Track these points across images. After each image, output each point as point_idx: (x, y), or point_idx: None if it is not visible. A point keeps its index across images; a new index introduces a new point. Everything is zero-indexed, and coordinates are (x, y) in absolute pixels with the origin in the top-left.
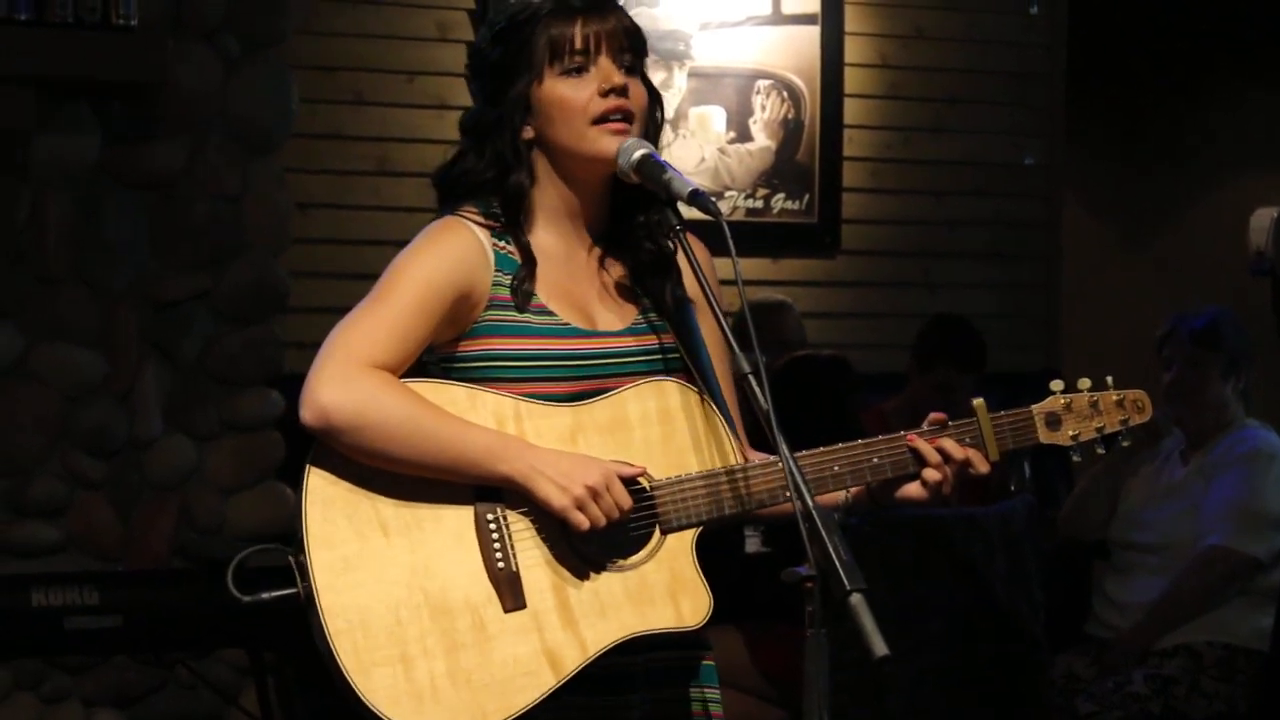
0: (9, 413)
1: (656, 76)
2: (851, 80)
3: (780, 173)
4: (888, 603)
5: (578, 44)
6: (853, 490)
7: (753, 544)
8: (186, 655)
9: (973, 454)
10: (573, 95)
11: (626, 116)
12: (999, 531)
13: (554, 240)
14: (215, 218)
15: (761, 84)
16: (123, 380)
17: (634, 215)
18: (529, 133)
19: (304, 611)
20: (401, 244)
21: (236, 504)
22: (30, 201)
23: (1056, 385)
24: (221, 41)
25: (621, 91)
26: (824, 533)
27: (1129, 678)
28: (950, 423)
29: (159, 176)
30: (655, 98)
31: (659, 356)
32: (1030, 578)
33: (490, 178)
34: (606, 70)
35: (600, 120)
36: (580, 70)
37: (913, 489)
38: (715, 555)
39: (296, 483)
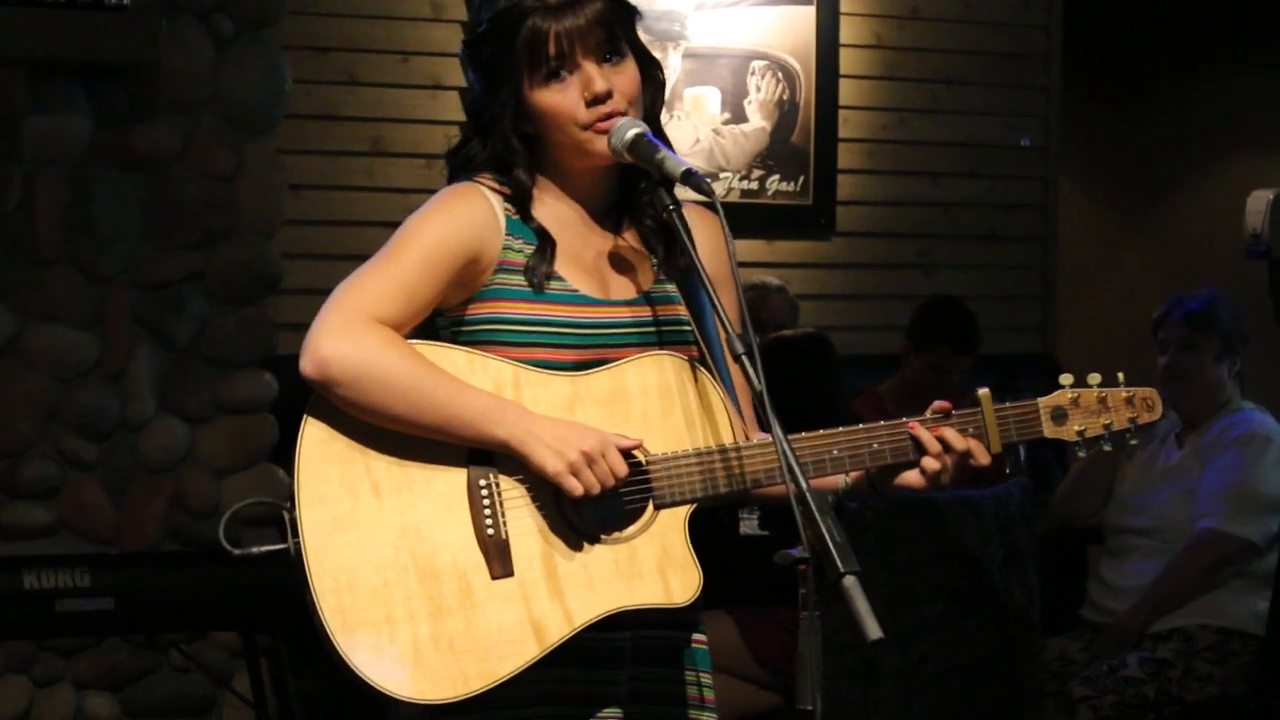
0: (1, 395)
1: None
2: (847, 61)
3: (775, 154)
4: (883, 586)
5: (551, 49)
6: (852, 475)
7: (748, 526)
8: (179, 638)
9: (974, 445)
10: (559, 102)
11: (615, 116)
12: (994, 515)
13: (566, 210)
14: (208, 199)
15: (757, 65)
16: (115, 362)
17: (642, 185)
18: (529, 128)
19: (293, 568)
20: (396, 225)
21: (229, 486)
22: (22, 183)
23: (1066, 379)
24: (214, 22)
25: (605, 98)
26: (818, 515)
27: (1123, 661)
28: (954, 413)
29: (151, 158)
30: (650, 65)
31: (672, 328)
32: (1025, 561)
33: (491, 169)
34: (587, 76)
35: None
36: (561, 73)
37: (911, 476)
38: (710, 538)
39: (289, 465)
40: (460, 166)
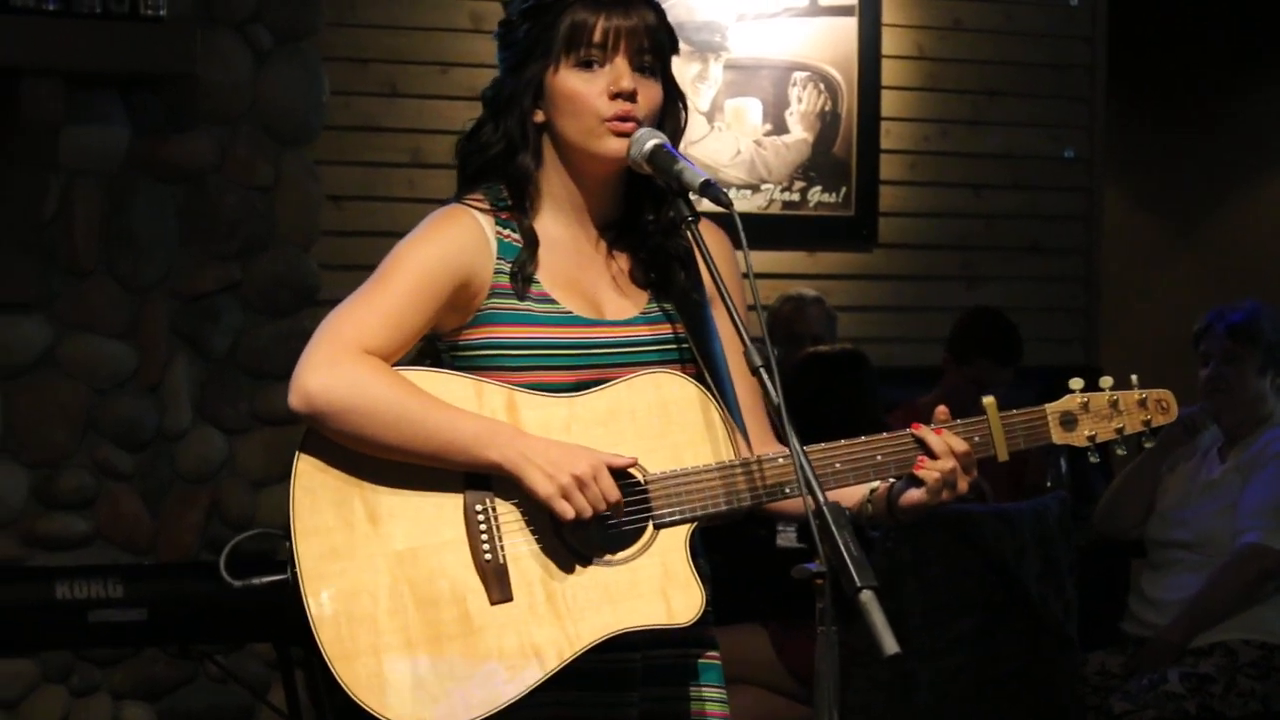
0: (39, 405)
1: (692, 68)
2: (889, 72)
3: (817, 165)
4: (917, 599)
5: (596, 37)
6: (873, 502)
7: (784, 539)
8: (212, 648)
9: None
10: (582, 89)
11: (633, 120)
12: (1032, 528)
13: (560, 228)
14: (245, 210)
15: (798, 76)
16: (152, 373)
17: (648, 207)
18: (539, 116)
19: (294, 599)
20: None
21: (267, 497)
22: (60, 194)
23: (1075, 384)
24: (252, 32)
25: (630, 96)
26: (834, 529)
27: (1164, 676)
28: (959, 421)
29: (189, 168)
30: (675, 97)
31: (670, 346)
32: (1063, 575)
33: (499, 152)
34: (619, 71)
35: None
36: (594, 64)
37: (919, 494)
38: (747, 551)
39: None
40: (470, 153)
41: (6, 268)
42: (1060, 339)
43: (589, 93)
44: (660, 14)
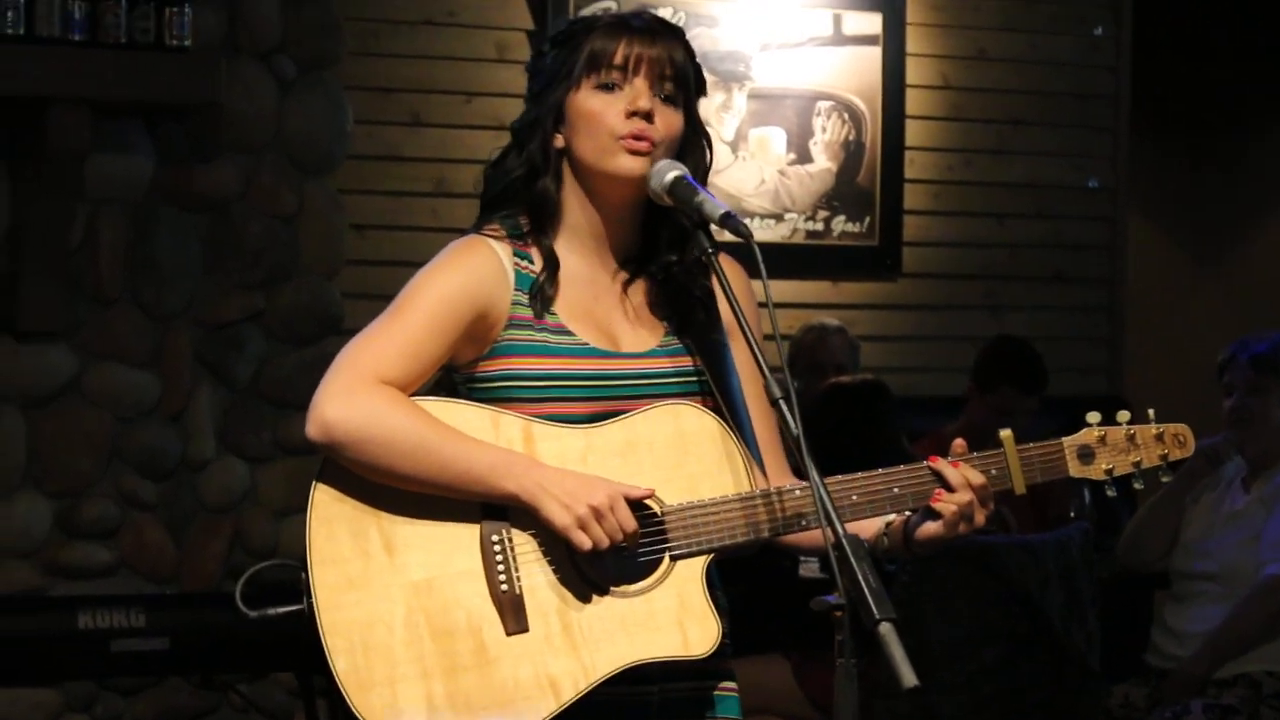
0: (63, 434)
1: (717, 98)
2: (913, 102)
3: (841, 195)
4: (941, 631)
5: (616, 60)
6: (889, 537)
7: (808, 569)
8: (234, 678)
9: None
10: (600, 109)
11: (649, 141)
12: (1055, 560)
13: (578, 261)
14: (269, 238)
15: (822, 105)
16: (176, 401)
17: (667, 242)
18: (560, 141)
19: (309, 629)
20: None
21: (289, 526)
22: (85, 222)
23: (1093, 418)
24: (276, 62)
25: (646, 117)
26: (853, 561)
27: (1187, 708)
28: (976, 454)
29: (213, 197)
30: (699, 133)
31: (688, 379)
32: (1086, 606)
33: (521, 177)
34: (637, 91)
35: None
36: (613, 86)
37: (935, 527)
38: (770, 581)
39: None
40: (492, 179)
41: (32, 296)
42: (1084, 368)
43: (606, 111)
44: (688, 50)
